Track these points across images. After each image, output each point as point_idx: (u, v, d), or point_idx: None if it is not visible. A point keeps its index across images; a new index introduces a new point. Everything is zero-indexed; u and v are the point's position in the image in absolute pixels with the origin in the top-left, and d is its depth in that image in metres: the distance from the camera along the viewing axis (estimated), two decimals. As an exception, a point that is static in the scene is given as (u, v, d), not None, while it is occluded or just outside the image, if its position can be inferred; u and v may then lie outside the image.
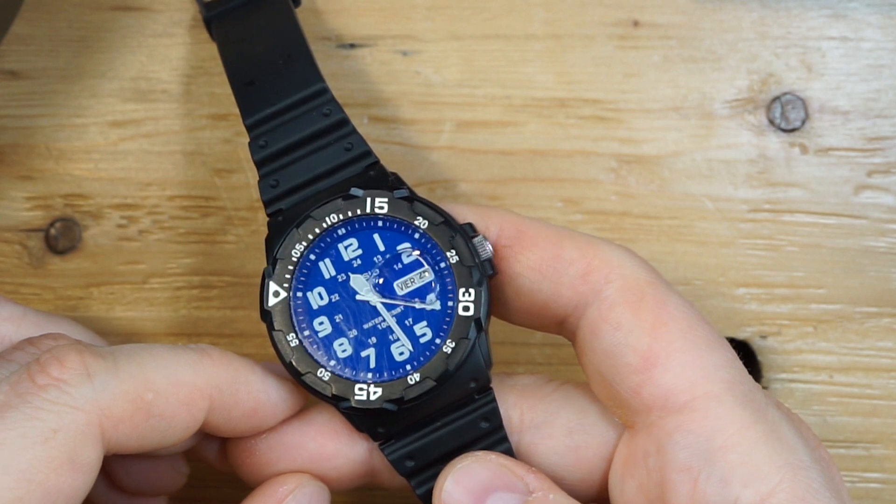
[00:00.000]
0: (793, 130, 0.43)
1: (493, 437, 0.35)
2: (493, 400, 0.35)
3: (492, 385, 0.35)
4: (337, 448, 0.36)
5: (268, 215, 0.36)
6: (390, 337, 0.35)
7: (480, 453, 0.35)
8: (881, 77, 0.43)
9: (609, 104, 0.43)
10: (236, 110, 0.43)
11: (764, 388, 0.40)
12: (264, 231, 0.43)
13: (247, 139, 0.44)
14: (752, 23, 0.43)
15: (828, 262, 0.43)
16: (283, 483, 0.35)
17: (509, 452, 0.35)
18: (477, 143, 0.44)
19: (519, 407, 0.36)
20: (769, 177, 0.43)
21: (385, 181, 0.36)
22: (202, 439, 0.38)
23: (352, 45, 0.44)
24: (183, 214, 0.44)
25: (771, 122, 0.43)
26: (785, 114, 0.43)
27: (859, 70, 0.43)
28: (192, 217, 0.44)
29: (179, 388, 0.34)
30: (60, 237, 0.44)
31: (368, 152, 0.36)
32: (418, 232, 0.35)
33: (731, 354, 0.34)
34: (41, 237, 0.44)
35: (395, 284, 0.35)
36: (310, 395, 0.35)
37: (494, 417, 0.35)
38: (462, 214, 0.36)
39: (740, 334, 0.43)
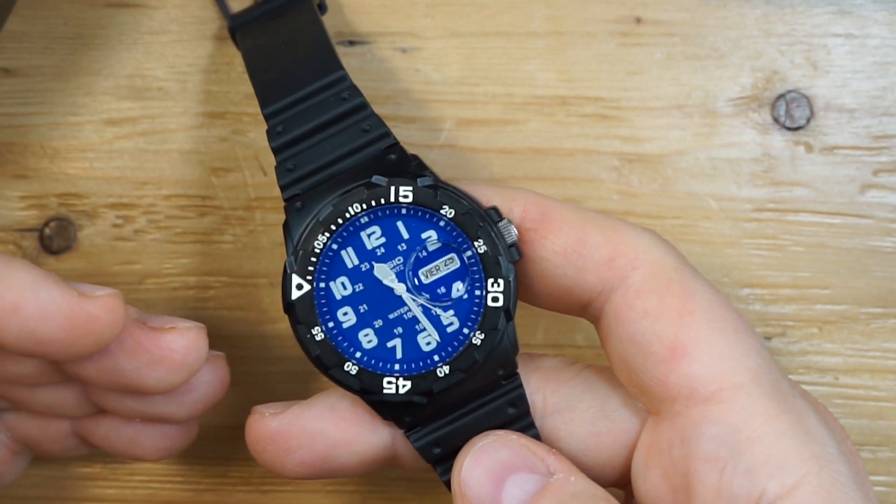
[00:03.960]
0: (797, 129, 0.43)
1: (520, 422, 0.35)
2: (520, 385, 0.35)
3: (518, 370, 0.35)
4: (359, 434, 0.35)
5: (285, 200, 0.35)
6: (416, 327, 0.35)
7: (501, 432, 0.34)
8: (887, 74, 0.43)
9: (611, 102, 0.43)
10: (233, 108, 0.43)
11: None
12: (262, 231, 0.43)
13: (244, 137, 0.43)
14: (756, 20, 0.43)
15: (833, 262, 0.43)
16: None
17: (536, 438, 0.35)
18: (477, 141, 0.43)
19: (542, 391, 0.35)
20: (773, 176, 0.43)
21: (407, 165, 0.35)
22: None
23: (351, 42, 0.43)
24: (179, 214, 0.43)
25: (775, 120, 0.43)
26: (790, 112, 0.43)
27: (865, 67, 0.43)
28: (189, 216, 0.43)
29: None
30: (55, 237, 0.43)
31: (387, 133, 0.36)
32: (444, 220, 0.35)
33: (758, 342, 0.34)
34: (35, 237, 0.43)
35: (420, 273, 0.35)
36: (329, 381, 0.35)
37: (521, 403, 0.35)
38: (486, 196, 0.35)
39: (745, 335, 0.43)
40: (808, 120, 0.43)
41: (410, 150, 0.43)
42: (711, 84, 0.43)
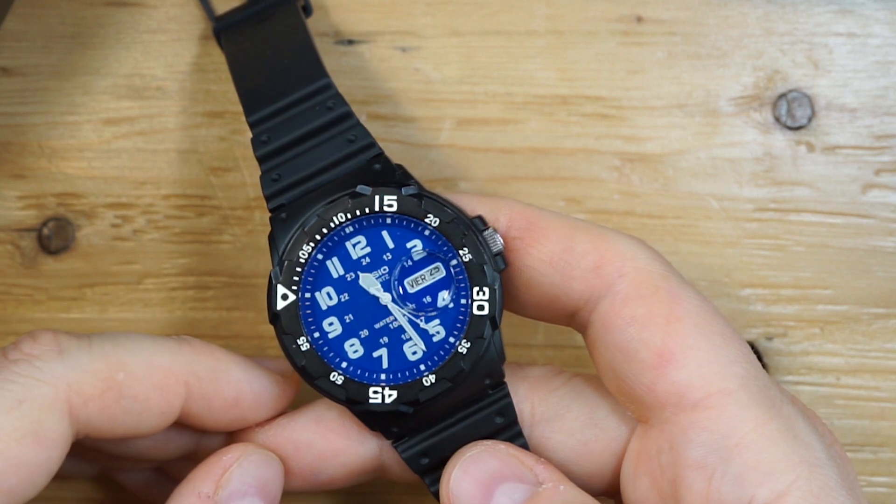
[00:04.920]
0: (799, 128, 0.43)
1: (507, 432, 0.35)
2: (508, 395, 0.35)
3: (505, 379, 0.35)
4: (347, 445, 0.35)
5: (270, 210, 0.35)
6: (402, 336, 0.35)
7: (490, 442, 0.34)
8: (889, 74, 0.43)
9: (612, 101, 0.43)
10: (232, 108, 0.43)
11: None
12: (261, 230, 0.43)
13: (242, 137, 0.43)
14: (757, 19, 0.43)
15: (835, 262, 0.43)
16: (227, 452, 0.35)
17: (524, 447, 0.35)
18: (477, 140, 0.43)
19: (530, 400, 0.35)
20: (775, 175, 0.43)
21: (392, 175, 0.35)
22: None
23: (350, 42, 0.43)
24: (178, 214, 0.43)
25: (777, 119, 0.43)
26: (791, 111, 0.43)
27: (867, 67, 0.43)
28: (188, 216, 0.43)
29: (154, 372, 0.34)
30: (53, 237, 0.43)
31: (372, 144, 0.36)
32: (428, 229, 0.35)
33: (746, 349, 0.34)
34: (34, 237, 0.43)
35: (405, 282, 0.35)
36: (316, 393, 0.35)
37: (509, 412, 0.35)
38: (471, 206, 0.35)
39: (746, 336, 0.43)
40: (810, 119, 0.43)
41: (410, 150, 0.43)
42: (713, 83, 0.43)
